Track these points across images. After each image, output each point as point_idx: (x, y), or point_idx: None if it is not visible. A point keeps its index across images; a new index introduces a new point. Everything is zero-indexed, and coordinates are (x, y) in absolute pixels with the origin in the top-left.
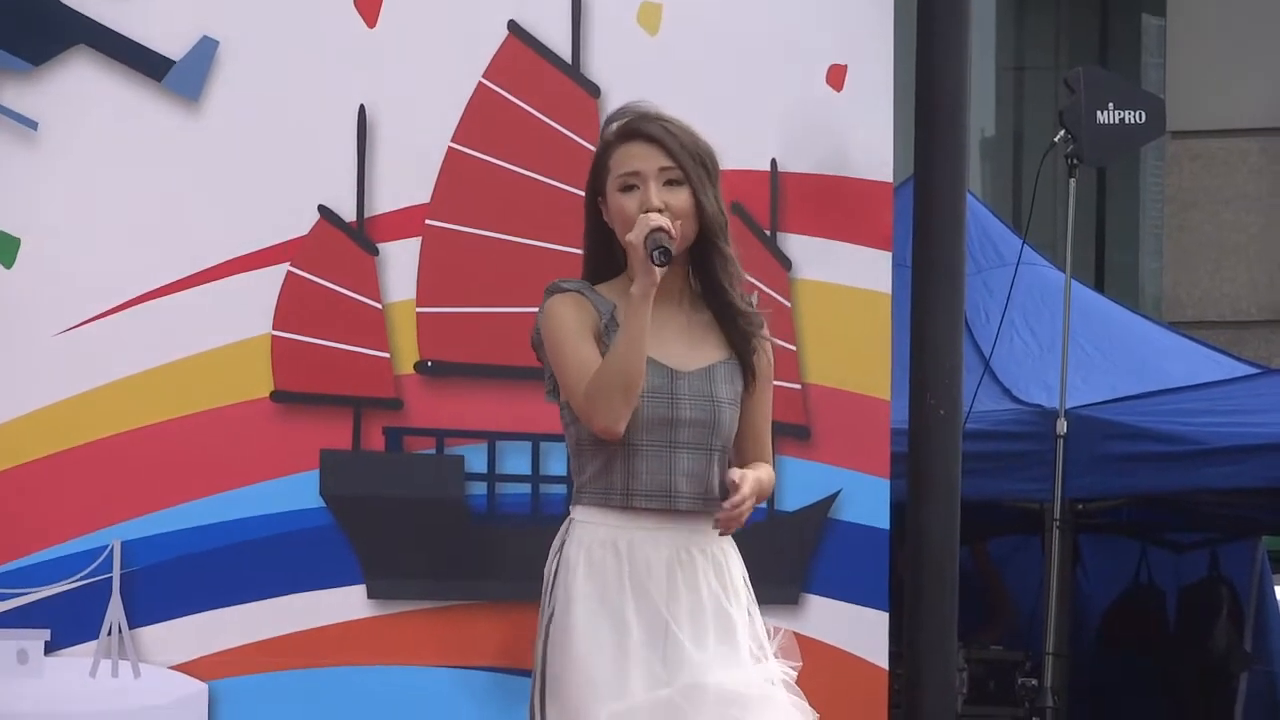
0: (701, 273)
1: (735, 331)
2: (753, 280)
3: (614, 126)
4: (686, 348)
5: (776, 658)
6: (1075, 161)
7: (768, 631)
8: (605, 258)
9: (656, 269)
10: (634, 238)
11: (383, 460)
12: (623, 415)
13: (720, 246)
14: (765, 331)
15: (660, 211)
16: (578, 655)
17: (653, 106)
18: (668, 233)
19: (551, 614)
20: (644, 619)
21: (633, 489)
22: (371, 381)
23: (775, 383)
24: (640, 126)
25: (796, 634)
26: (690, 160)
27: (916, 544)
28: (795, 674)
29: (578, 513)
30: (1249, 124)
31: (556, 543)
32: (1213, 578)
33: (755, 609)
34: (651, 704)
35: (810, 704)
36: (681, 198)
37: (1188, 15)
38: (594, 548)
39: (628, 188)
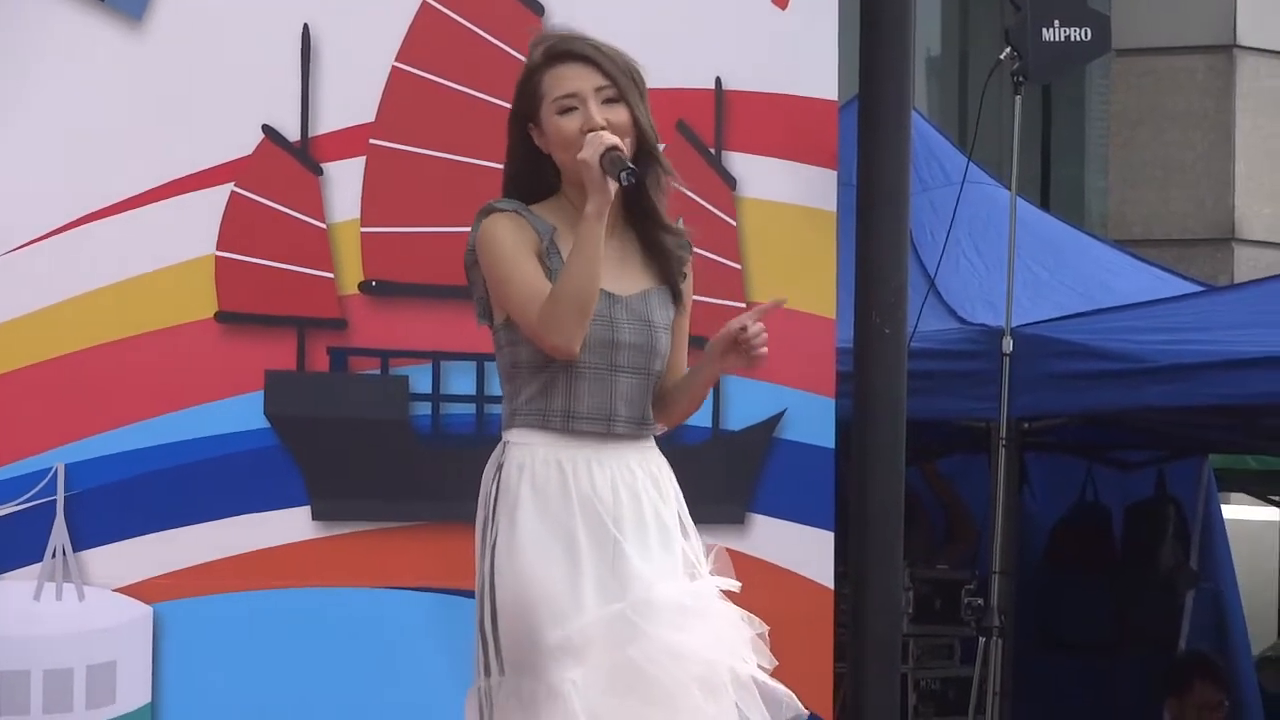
0: (635, 193)
1: (664, 255)
2: (697, 198)
3: (541, 49)
4: (621, 273)
5: (712, 574)
6: (1021, 79)
7: (704, 550)
8: (532, 182)
9: (611, 186)
10: (588, 156)
11: (327, 381)
12: (577, 335)
13: (659, 161)
14: (690, 261)
15: (603, 129)
16: (529, 575)
17: (572, 29)
18: (621, 151)
19: (495, 539)
20: (592, 534)
21: (574, 411)
22: (316, 302)
23: (720, 301)
24: (571, 47)
25: (742, 554)
26: (624, 78)
27: (862, 463)
28: (734, 590)
29: (513, 435)
30: (1195, 41)
31: (491, 468)
32: (1159, 496)
33: (691, 526)
34: (605, 619)
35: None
36: (621, 115)
37: None
38: (537, 467)
39: (567, 109)
